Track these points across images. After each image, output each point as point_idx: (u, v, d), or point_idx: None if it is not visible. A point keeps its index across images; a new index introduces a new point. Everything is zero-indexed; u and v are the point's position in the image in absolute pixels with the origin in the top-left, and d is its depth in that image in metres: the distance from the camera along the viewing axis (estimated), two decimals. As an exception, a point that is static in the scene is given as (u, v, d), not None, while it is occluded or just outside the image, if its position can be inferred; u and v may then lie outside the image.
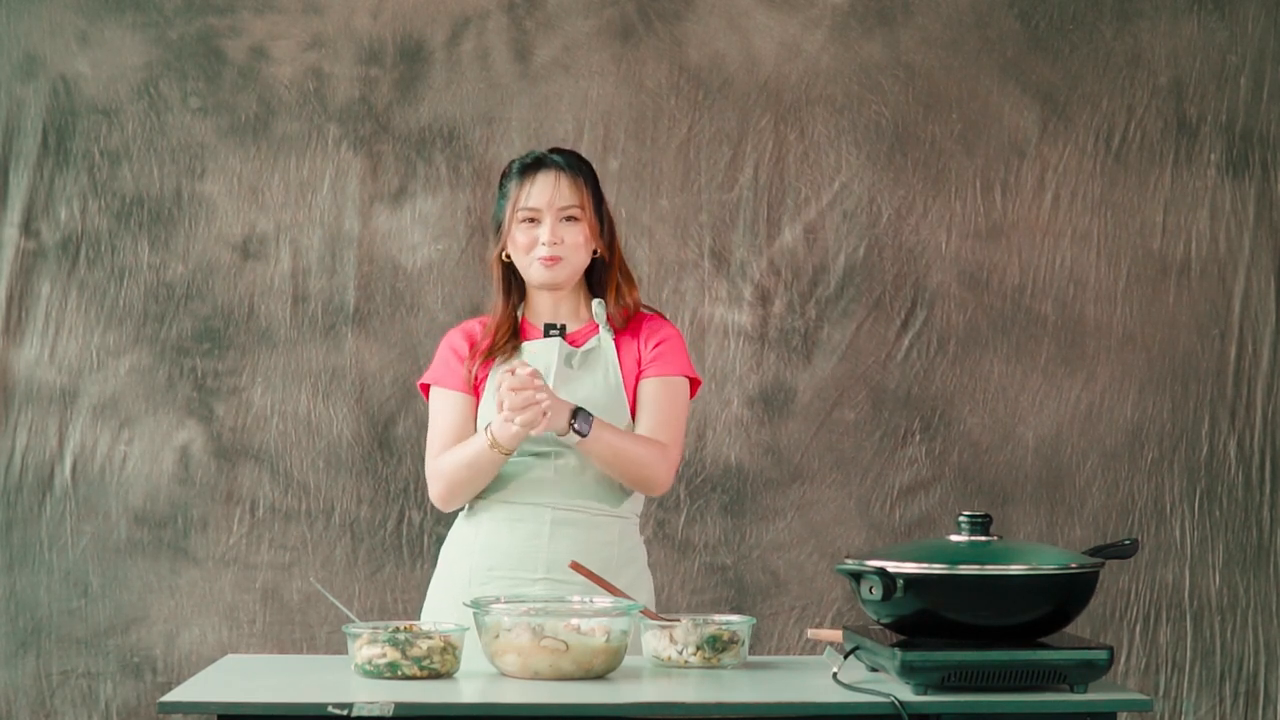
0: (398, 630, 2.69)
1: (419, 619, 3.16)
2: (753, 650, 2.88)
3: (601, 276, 3.22)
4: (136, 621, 4.19)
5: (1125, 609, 4.26)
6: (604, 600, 2.85)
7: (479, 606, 2.71)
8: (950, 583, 2.57)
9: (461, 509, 3.20)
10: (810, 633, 3.07)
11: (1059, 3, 4.29)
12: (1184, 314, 4.29)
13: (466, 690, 2.61)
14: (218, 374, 4.22)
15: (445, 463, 3.13)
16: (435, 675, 2.67)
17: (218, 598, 4.19)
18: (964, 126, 4.28)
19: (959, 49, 4.29)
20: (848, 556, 2.74)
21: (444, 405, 3.19)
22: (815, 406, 4.26)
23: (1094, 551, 2.70)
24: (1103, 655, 2.58)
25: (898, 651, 2.56)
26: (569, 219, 3.15)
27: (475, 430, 3.15)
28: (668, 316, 3.32)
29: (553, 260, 3.13)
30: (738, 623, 2.82)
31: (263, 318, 4.23)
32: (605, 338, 3.18)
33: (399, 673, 2.65)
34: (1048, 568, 2.59)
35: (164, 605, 4.19)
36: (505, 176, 3.21)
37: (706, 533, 4.24)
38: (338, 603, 2.99)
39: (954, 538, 2.67)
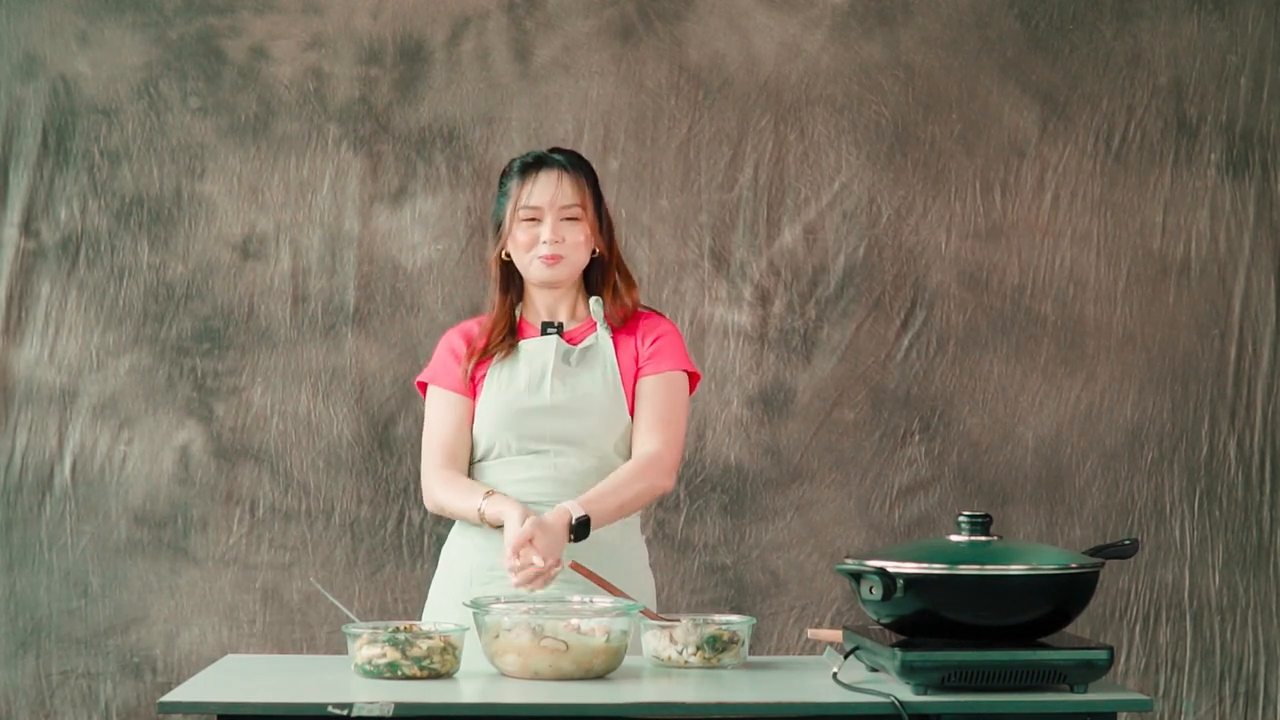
0: (398, 630, 2.69)
1: (419, 619, 3.16)
2: (752, 650, 2.88)
3: (600, 275, 3.22)
4: (136, 621, 4.19)
5: (1125, 609, 4.26)
6: (604, 600, 2.85)
7: (479, 606, 2.71)
8: (950, 583, 2.57)
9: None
10: (810, 633, 3.07)
11: (1059, 3, 4.29)
12: (1184, 314, 4.29)
13: (466, 690, 2.61)
14: (218, 374, 4.22)
15: (437, 497, 3.16)
16: (435, 675, 2.67)
17: (218, 598, 4.19)
18: (964, 127, 4.28)
19: (959, 49, 4.29)
20: (848, 556, 2.74)
21: (440, 406, 3.19)
22: (815, 407, 4.26)
23: (1094, 551, 2.70)
24: (1103, 655, 2.58)
25: (898, 651, 2.56)
26: (570, 218, 3.15)
27: (470, 432, 3.15)
28: (667, 316, 3.32)
29: (553, 259, 3.14)
30: (738, 623, 2.82)
31: (263, 318, 4.23)
32: (603, 335, 3.18)
33: (399, 673, 2.65)
34: (1048, 568, 2.59)
35: (164, 605, 4.19)
36: (505, 175, 3.22)
37: (706, 533, 4.24)
38: (338, 603, 2.99)
39: (954, 538, 2.67)
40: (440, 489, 3.14)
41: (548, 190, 3.15)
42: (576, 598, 2.88)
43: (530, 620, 2.65)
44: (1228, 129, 4.29)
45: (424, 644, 2.66)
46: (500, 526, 3.02)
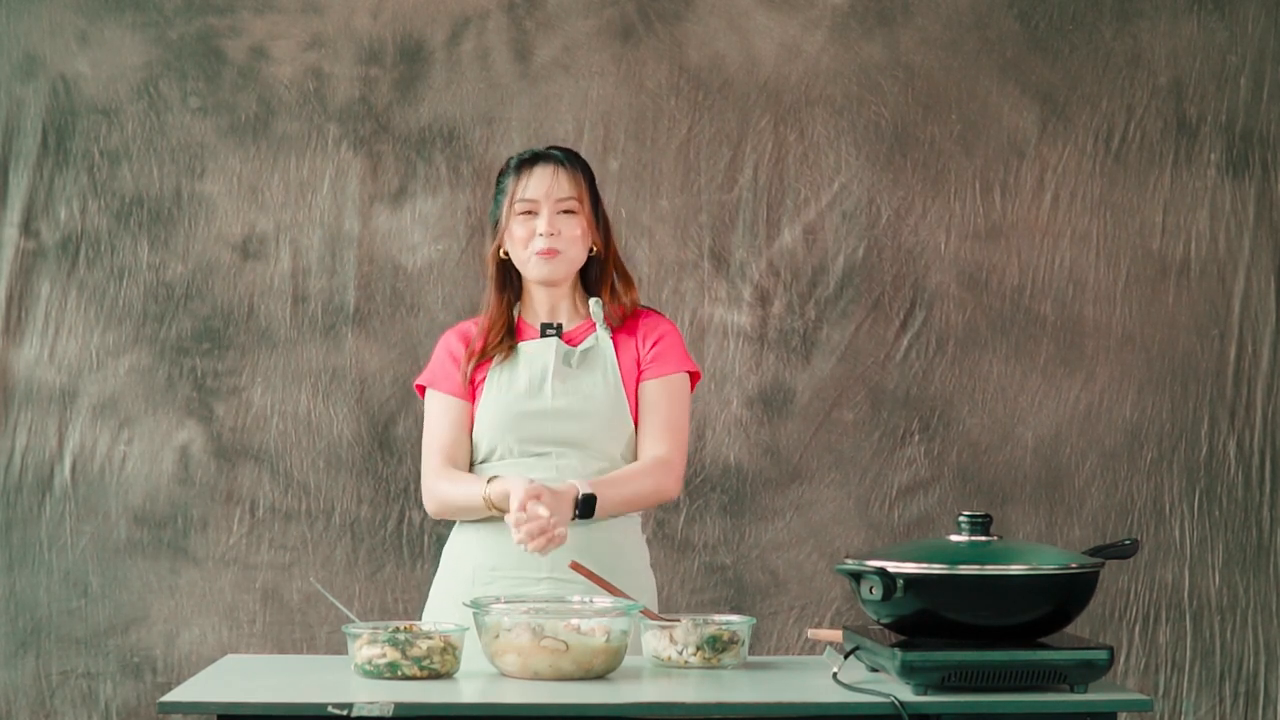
0: (398, 630, 2.69)
1: (419, 619, 3.16)
2: (752, 650, 2.88)
3: (598, 274, 3.22)
4: (136, 621, 4.19)
5: (1125, 609, 4.26)
6: (604, 600, 2.85)
7: (479, 606, 2.71)
8: (950, 583, 2.57)
9: (462, 509, 3.21)
10: (810, 633, 3.07)
11: (1059, 3, 4.29)
12: (1183, 314, 4.29)
13: (466, 690, 2.61)
14: (218, 374, 4.22)
15: (440, 492, 3.14)
16: (435, 675, 2.67)
17: (218, 598, 4.19)
18: (963, 127, 4.28)
19: (958, 49, 4.29)
20: (848, 556, 2.74)
21: (439, 410, 3.19)
22: (814, 407, 4.26)
23: (1094, 551, 2.70)
24: (1103, 655, 2.58)
25: (898, 651, 2.56)
26: (566, 211, 3.15)
27: (470, 435, 3.15)
28: (666, 315, 3.32)
29: (550, 253, 3.13)
30: (738, 623, 2.82)
31: (263, 318, 4.23)
32: (603, 336, 3.18)
33: (399, 673, 2.65)
34: (1048, 568, 2.59)
35: (164, 605, 4.19)
36: (502, 173, 3.22)
37: (706, 533, 4.24)
38: (338, 603, 2.99)
39: (954, 538, 2.67)
40: (443, 484, 3.13)
41: (544, 183, 3.15)
42: (576, 598, 2.88)
43: (530, 620, 2.65)
44: (1227, 129, 4.29)
45: (424, 644, 2.66)
46: (506, 511, 3.01)
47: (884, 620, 2.65)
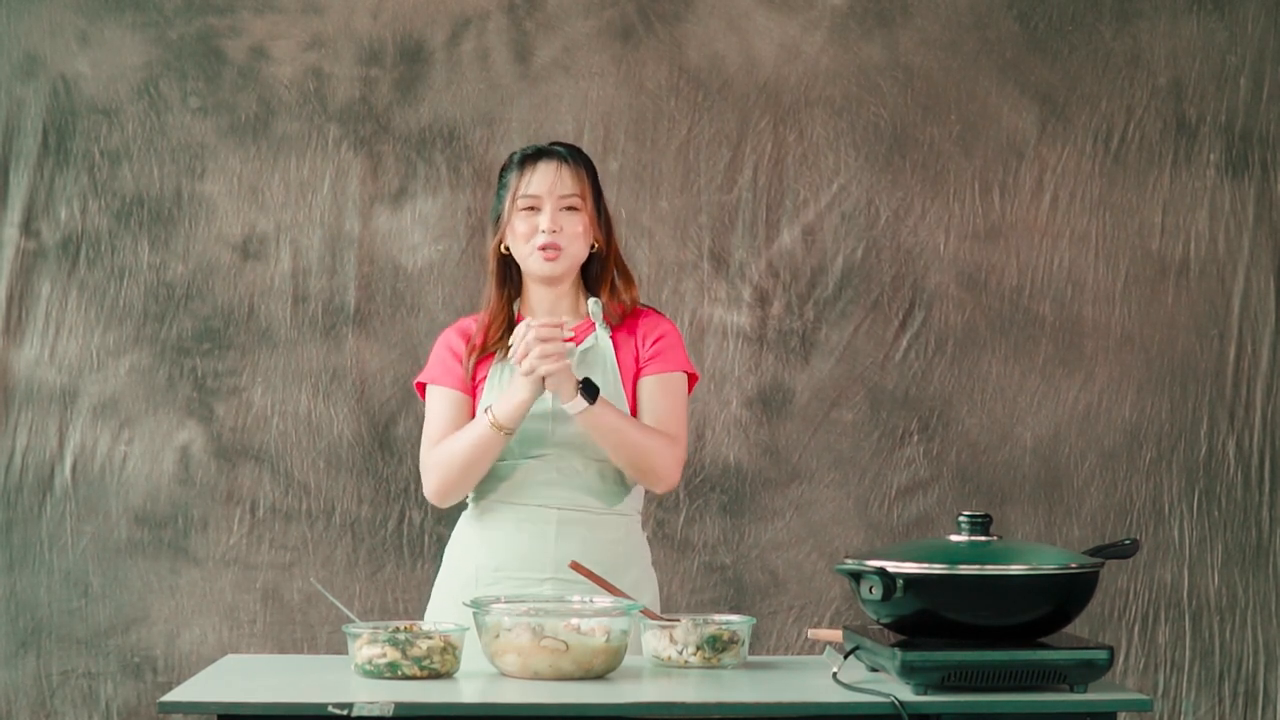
0: (398, 630, 2.69)
1: (420, 619, 3.16)
2: (752, 650, 2.88)
3: (599, 272, 3.21)
4: (137, 621, 4.19)
5: (1124, 609, 4.27)
6: (604, 600, 2.85)
7: (479, 606, 2.71)
8: (950, 583, 2.57)
9: (463, 508, 3.21)
10: (810, 633, 3.07)
11: (1058, 3, 4.29)
12: (1183, 314, 4.30)
13: (466, 690, 2.62)
14: (218, 374, 4.22)
15: (442, 451, 3.10)
16: (435, 675, 2.67)
17: (218, 598, 4.20)
18: (962, 128, 4.29)
19: (958, 50, 4.29)
20: (847, 556, 2.74)
21: (441, 403, 3.17)
22: (813, 407, 4.26)
23: (1094, 551, 2.70)
24: (1103, 655, 2.58)
25: (898, 651, 2.56)
26: (569, 208, 3.14)
27: (473, 426, 3.16)
28: (667, 317, 3.32)
29: (552, 249, 3.12)
30: (738, 623, 2.82)
31: (263, 318, 4.23)
32: (603, 336, 3.17)
33: (399, 673, 2.65)
34: (1048, 568, 2.59)
35: (164, 605, 4.19)
36: (505, 169, 3.20)
37: (706, 532, 4.24)
38: (338, 603, 2.99)
39: (954, 538, 2.67)
40: (441, 447, 3.10)
41: (547, 179, 3.14)
42: (576, 598, 2.88)
43: (530, 620, 2.65)
44: (1227, 129, 4.30)
45: (424, 644, 2.66)
46: (511, 433, 3.02)
47: (884, 620, 2.65)
